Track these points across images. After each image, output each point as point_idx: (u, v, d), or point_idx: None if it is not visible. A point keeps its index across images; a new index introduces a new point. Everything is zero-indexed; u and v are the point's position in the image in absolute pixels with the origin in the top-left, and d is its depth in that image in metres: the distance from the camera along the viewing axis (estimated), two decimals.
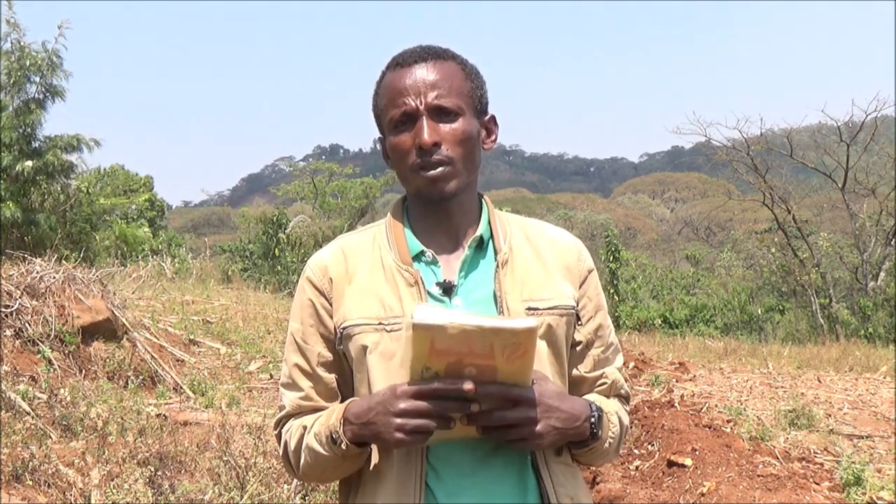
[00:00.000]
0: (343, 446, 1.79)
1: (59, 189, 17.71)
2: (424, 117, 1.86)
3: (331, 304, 1.96)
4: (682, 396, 9.25)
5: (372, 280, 1.93)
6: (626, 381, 2.15)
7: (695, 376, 11.65)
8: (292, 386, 2.00)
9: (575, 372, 2.02)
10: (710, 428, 7.33)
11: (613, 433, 1.95)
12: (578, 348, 2.01)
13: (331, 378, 1.97)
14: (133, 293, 12.99)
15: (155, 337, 9.82)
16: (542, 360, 1.89)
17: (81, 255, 15.36)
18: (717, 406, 9.04)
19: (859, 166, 27.05)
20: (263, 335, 12.05)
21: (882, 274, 25.75)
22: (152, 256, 22.19)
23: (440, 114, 1.88)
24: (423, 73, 1.90)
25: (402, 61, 1.93)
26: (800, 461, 6.94)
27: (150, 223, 30.37)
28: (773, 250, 28.15)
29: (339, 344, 1.93)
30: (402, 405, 1.66)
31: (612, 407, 1.98)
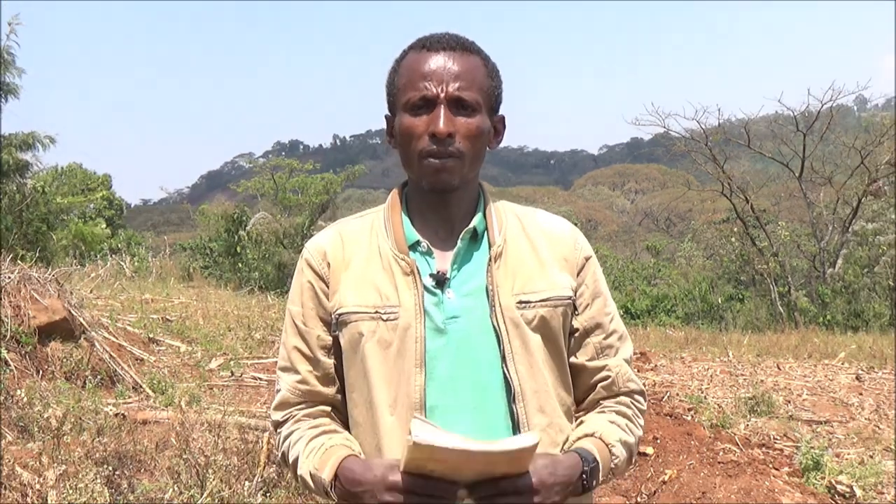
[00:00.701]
0: (333, 499, 1.81)
1: (14, 188, 17.47)
2: (443, 106, 1.85)
3: (328, 288, 1.95)
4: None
5: (369, 268, 1.93)
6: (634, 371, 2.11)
7: (656, 366, 11.73)
8: (290, 369, 1.99)
9: (575, 360, 2.00)
10: (671, 416, 7.37)
11: (617, 463, 1.91)
12: (576, 335, 2.00)
13: (329, 363, 1.97)
14: (91, 292, 12.84)
15: (114, 336, 9.71)
16: (537, 352, 1.90)
17: (38, 254, 15.17)
18: (678, 395, 9.11)
19: (816, 155, 27.29)
20: (224, 332, 11.96)
21: (839, 261, 26.02)
22: (111, 255, 21.96)
23: (458, 106, 1.86)
24: (448, 62, 1.88)
25: (430, 45, 1.91)
26: (760, 447, 7.01)
27: (108, 222, 30.10)
28: (732, 240, 28.38)
29: (335, 329, 1.93)
30: (389, 497, 1.66)
31: (614, 436, 1.92)
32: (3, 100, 16.87)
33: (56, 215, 19.53)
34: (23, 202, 17.55)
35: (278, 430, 2.01)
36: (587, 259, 2.03)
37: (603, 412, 2.01)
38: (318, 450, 1.86)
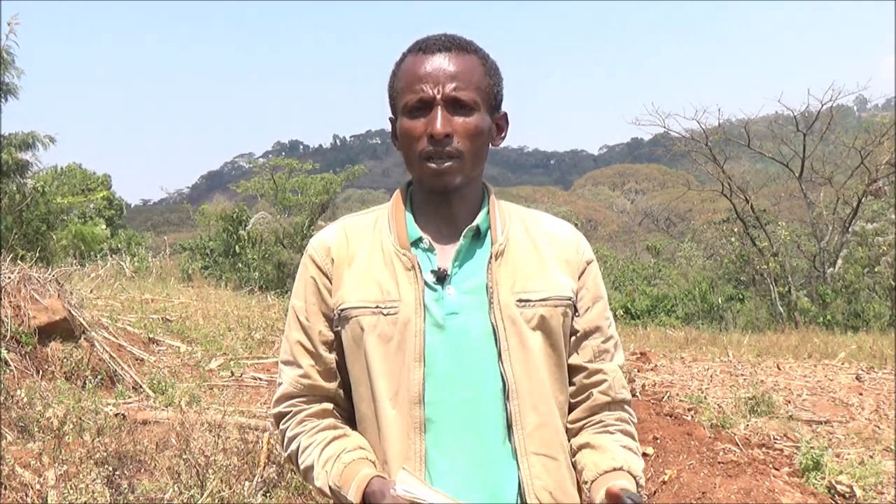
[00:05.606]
0: None
1: (14, 188, 17.45)
2: (440, 107, 1.86)
3: (331, 284, 1.97)
4: (643, 386, 9.30)
5: (371, 264, 1.95)
6: (627, 380, 2.12)
7: (656, 366, 11.71)
8: (293, 363, 2.00)
9: (573, 360, 2.00)
10: (671, 416, 7.37)
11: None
12: (576, 337, 2.00)
13: (331, 358, 1.99)
14: (91, 292, 12.84)
15: (114, 336, 9.70)
16: (535, 351, 1.90)
17: (38, 254, 15.15)
18: (678, 395, 9.10)
19: (816, 155, 27.27)
20: (224, 332, 11.95)
21: (840, 261, 26.00)
22: (111, 255, 21.96)
23: (456, 106, 1.88)
24: (444, 63, 1.89)
25: (425, 47, 1.92)
26: (760, 447, 7.00)
27: (108, 222, 30.09)
28: (732, 240, 28.35)
29: (337, 325, 1.95)
30: None
31: (638, 467, 1.93)
32: (3, 100, 16.86)
33: (56, 215, 19.52)
34: (23, 202, 17.53)
35: (280, 425, 2.03)
36: (588, 263, 2.05)
37: (609, 431, 2.00)
38: (334, 460, 1.88)
